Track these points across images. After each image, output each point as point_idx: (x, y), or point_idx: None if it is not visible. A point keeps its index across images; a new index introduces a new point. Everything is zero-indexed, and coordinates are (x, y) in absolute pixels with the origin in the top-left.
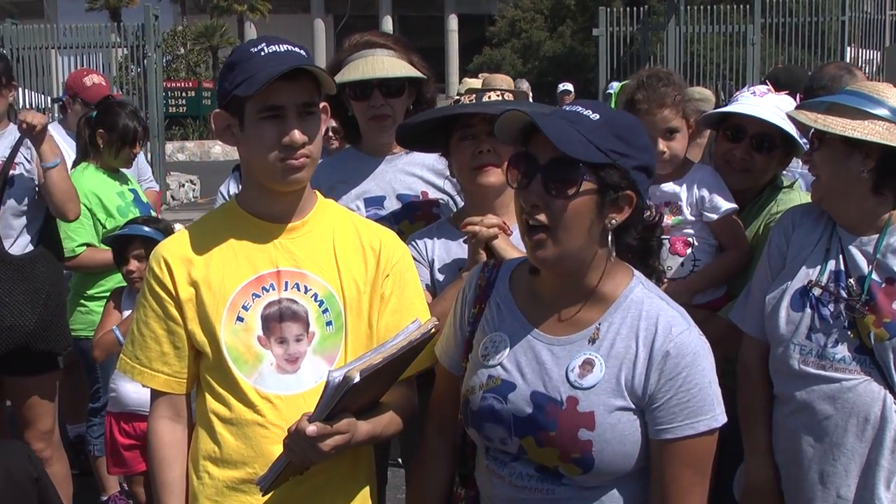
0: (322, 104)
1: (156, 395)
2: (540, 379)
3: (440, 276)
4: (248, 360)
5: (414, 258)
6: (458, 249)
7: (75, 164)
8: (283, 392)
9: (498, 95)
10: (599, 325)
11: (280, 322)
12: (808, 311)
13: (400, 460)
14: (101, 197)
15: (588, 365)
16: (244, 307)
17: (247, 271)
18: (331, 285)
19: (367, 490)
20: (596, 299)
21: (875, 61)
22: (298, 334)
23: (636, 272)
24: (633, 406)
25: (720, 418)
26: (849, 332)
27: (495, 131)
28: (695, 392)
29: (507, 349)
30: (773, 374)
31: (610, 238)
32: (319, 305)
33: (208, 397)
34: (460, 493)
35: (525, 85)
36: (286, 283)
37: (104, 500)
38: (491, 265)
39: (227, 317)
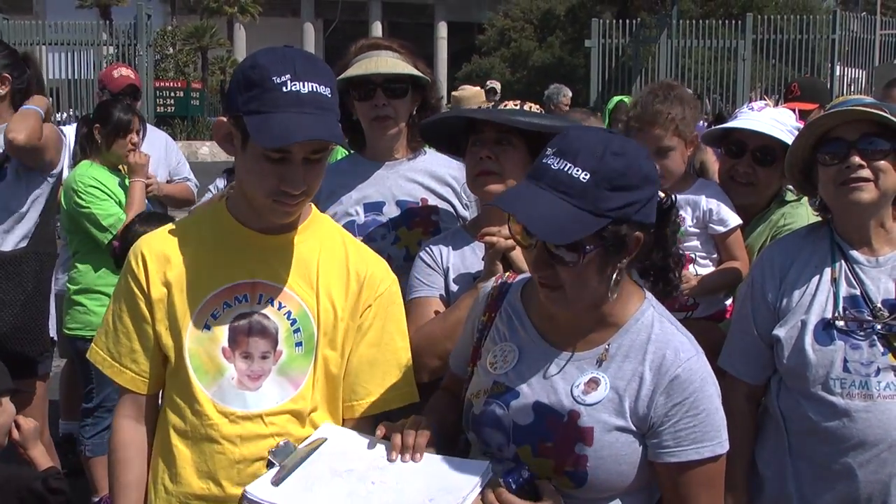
0: None
1: (122, 392)
2: (545, 391)
3: (454, 286)
4: (209, 371)
5: (428, 265)
6: (473, 258)
7: (74, 158)
8: (241, 409)
9: (515, 105)
10: (609, 346)
11: (248, 336)
12: (839, 342)
13: None
14: (111, 190)
15: (594, 383)
16: (213, 315)
17: (222, 278)
18: (306, 305)
19: None
20: (607, 321)
21: (861, 80)
22: (265, 351)
23: (648, 294)
24: (633, 428)
25: (724, 444)
26: (887, 357)
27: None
28: (702, 417)
29: (516, 359)
30: (797, 416)
31: (616, 276)
32: (292, 324)
33: (167, 406)
34: None
35: (496, 85)
36: (260, 296)
37: (96, 500)
38: (506, 277)
39: (195, 322)
